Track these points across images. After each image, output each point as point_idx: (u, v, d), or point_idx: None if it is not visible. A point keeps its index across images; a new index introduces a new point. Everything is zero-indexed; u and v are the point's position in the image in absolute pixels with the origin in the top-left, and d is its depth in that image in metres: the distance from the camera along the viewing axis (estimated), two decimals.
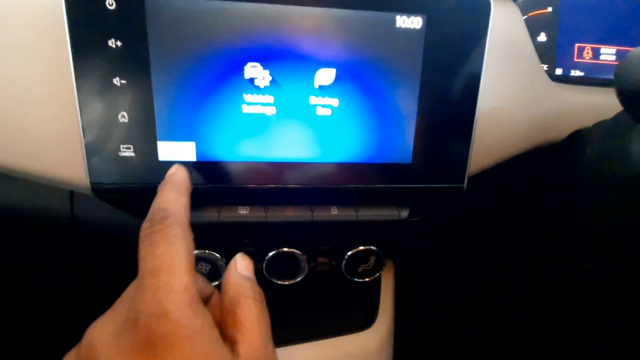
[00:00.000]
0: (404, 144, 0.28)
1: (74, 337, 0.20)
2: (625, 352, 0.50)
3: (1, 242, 0.49)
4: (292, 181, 0.28)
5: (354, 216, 0.30)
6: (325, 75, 0.26)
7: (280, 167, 0.27)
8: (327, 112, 0.27)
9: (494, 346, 0.59)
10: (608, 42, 0.42)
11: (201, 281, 0.23)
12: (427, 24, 0.26)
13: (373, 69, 0.26)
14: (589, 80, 0.41)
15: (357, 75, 0.26)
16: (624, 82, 0.20)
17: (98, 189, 0.27)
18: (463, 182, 0.29)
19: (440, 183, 0.29)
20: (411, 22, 0.26)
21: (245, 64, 0.25)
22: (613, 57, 0.42)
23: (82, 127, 0.25)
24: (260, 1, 0.24)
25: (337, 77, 0.26)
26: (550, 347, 0.57)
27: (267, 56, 0.25)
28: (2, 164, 0.27)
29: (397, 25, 0.26)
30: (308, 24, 0.25)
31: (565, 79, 0.40)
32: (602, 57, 0.42)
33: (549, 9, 0.40)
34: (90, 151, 0.26)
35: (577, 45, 0.42)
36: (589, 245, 0.36)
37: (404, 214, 0.31)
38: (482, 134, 0.30)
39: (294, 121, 0.27)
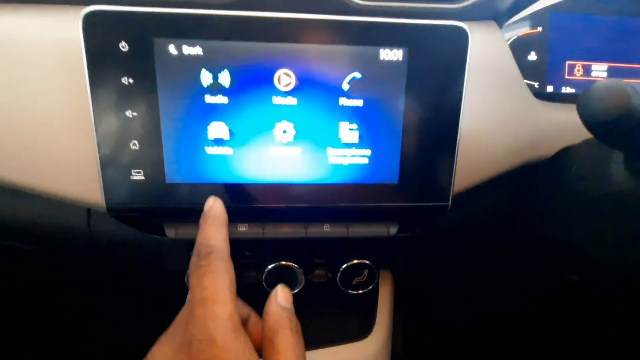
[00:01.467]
0: (391, 165, 0.30)
1: (90, 340, 0.23)
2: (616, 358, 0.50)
3: (23, 256, 0.53)
4: (288, 201, 0.30)
5: (345, 233, 0.32)
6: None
7: (276, 189, 0.30)
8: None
9: (491, 354, 0.60)
10: (599, 58, 0.43)
11: (240, 304, 0.26)
12: (409, 55, 0.28)
13: (362, 97, 0.29)
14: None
15: (348, 103, 0.29)
16: (584, 114, 0.21)
17: (112, 208, 0.30)
18: (448, 201, 0.31)
19: (426, 202, 0.31)
20: (394, 55, 0.28)
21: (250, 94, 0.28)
22: (605, 74, 0.43)
23: (99, 154, 0.28)
24: (257, 40, 0.27)
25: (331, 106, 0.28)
26: (544, 355, 0.57)
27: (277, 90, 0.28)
28: (28, 186, 0.31)
29: (381, 57, 0.28)
30: (304, 59, 0.27)
31: (556, 96, 0.41)
32: (593, 73, 0.43)
33: (539, 29, 0.42)
34: (106, 175, 0.29)
35: (567, 62, 0.43)
36: (575, 259, 0.37)
37: (393, 230, 0.33)
38: (466, 155, 0.32)
39: (290, 147, 0.29)
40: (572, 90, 0.43)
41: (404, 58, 0.28)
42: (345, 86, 0.28)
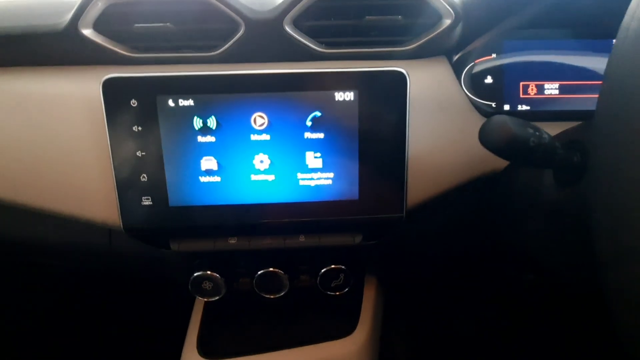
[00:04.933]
0: (351, 184, 0.36)
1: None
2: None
3: (52, 272, 0.62)
4: (267, 217, 0.37)
5: (318, 242, 0.38)
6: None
7: (257, 208, 0.36)
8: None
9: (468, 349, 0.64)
10: (551, 78, 0.48)
11: None
12: (359, 96, 0.35)
13: (323, 131, 0.35)
14: (536, 113, 0.47)
15: (312, 136, 0.35)
16: (483, 143, 0.27)
17: (128, 228, 0.37)
18: (402, 212, 0.37)
19: (383, 214, 0.37)
20: (346, 96, 0.35)
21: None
22: (557, 91, 0.48)
23: (116, 185, 0.36)
24: (236, 92, 0.34)
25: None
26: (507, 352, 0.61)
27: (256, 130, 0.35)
28: (59, 212, 0.39)
29: (337, 99, 0.35)
30: (274, 104, 0.34)
31: (512, 114, 0.46)
32: (546, 91, 0.48)
33: (493, 55, 0.47)
34: (122, 202, 0.36)
35: (522, 83, 0.48)
36: (528, 261, 0.42)
37: (358, 239, 0.39)
38: (417, 172, 0.38)
39: (267, 175, 0.36)
40: (528, 108, 0.48)
41: (355, 98, 0.35)
42: (309, 123, 0.35)
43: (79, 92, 0.37)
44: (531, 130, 0.27)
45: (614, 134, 0.22)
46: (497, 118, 0.26)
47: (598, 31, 0.47)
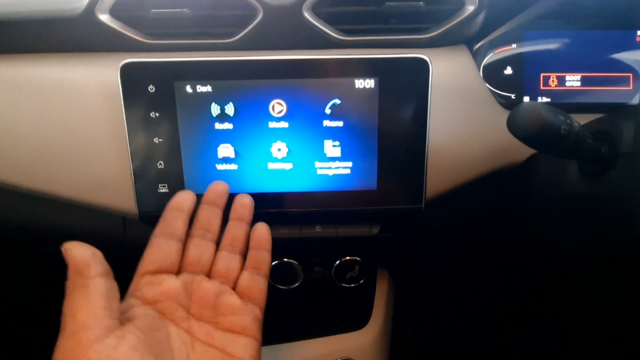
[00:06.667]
0: (370, 174, 0.36)
1: None
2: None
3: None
4: (284, 207, 0.36)
5: (334, 233, 0.38)
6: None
7: (274, 197, 0.36)
8: None
9: (482, 346, 0.63)
10: (572, 69, 0.47)
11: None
12: (379, 83, 0.34)
13: (342, 119, 0.35)
14: (557, 105, 0.46)
15: (331, 124, 0.35)
16: (512, 131, 0.26)
17: (144, 216, 0.37)
18: (421, 203, 0.36)
19: (402, 205, 0.36)
20: (367, 84, 0.34)
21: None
22: (578, 83, 0.47)
23: (133, 172, 0.36)
24: (255, 77, 0.33)
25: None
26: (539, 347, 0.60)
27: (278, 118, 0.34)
28: (74, 199, 0.38)
29: (356, 86, 0.34)
30: (293, 90, 0.34)
31: None
32: (567, 83, 0.47)
33: (514, 45, 0.46)
34: (138, 189, 0.36)
35: (542, 74, 0.47)
36: (548, 255, 0.41)
37: (375, 230, 0.38)
38: (438, 163, 0.37)
39: (284, 163, 0.35)
40: (548, 100, 0.47)
41: (375, 86, 0.34)
42: (328, 110, 0.34)
43: (96, 78, 0.37)
44: (562, 118, 0.26)
45: None
46: (528, 105, 0.25)
47: (622, 22, 0.46)
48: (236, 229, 0.32)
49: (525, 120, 0.25)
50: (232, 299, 0.29)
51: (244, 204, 0.32)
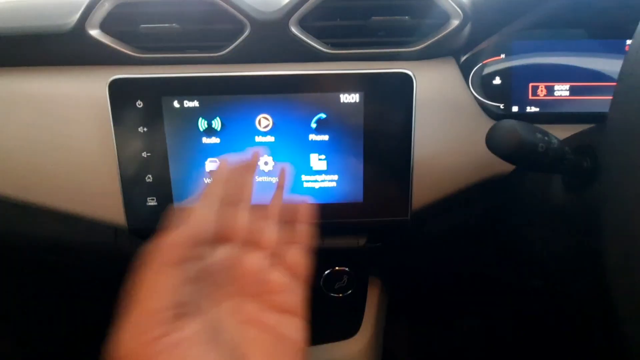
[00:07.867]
0: (356, 187, 0.36)
1: None
2: None
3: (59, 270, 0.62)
4: None
5: (321, 244, 0.38)
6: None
7: (261, 209, 0.36)
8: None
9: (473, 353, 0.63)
10: (561, 79, 0.47)
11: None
12: (364, 98, 0.34)
13: (327, 133, 0.35)
14: (545, 115, 0.46)
15: (316, 138, 0.35)
16: (490, 148, 0.27)
17: (133, 228, 0.37)
18: (407, 215, 0.37)
19: (388, 217, 0.36)
20: (352, 98, 0.34)
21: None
22: (567, 92, 0.47)
23: (122, 185, 0.36)
24: (241, 93, 0.34)
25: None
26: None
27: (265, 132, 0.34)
28: (66, 210, 0.39)
29: (342, 101, 0.34)
30: (279, 105, 0.34)
31: (520, 116, 0.46)
32: (556, 93, 0.47)
33: (502, 56, 0.46)
34: (127, 202, 0.36)
35: (531, 84, 0.47)
36: (538, 266, 0.41)
37: (362, 242, 0.38)
38: (423, 174, 0.37)
39: (271, 176, 0.36)
40: (537, 109, 0.47)
41: (360, 100, 0.34)
42: (314, 125, 0.35)
43: (86, 92, 0.37)
44: (540, 135, 0.26)
45: (628, 137, 0.21)
46: (505, 123, 0.26)
47: (610, 31, 0.46)
48: (281, 198, 0.29)
49: (502, 138, 0.25)
50: (281, 275, 0.25)
51: (284, 172, 0.29)
